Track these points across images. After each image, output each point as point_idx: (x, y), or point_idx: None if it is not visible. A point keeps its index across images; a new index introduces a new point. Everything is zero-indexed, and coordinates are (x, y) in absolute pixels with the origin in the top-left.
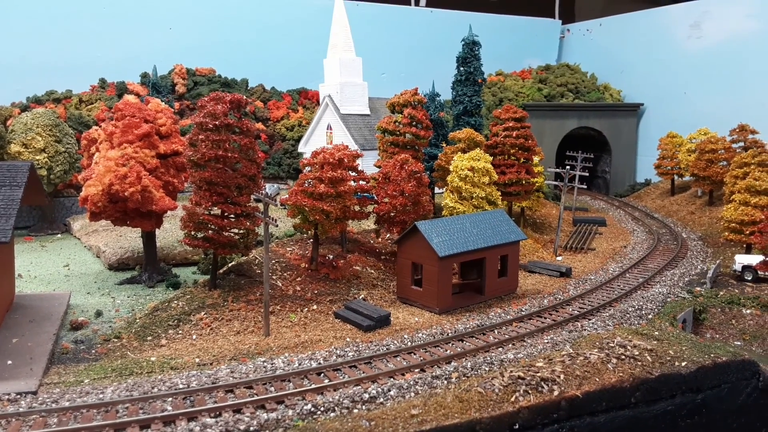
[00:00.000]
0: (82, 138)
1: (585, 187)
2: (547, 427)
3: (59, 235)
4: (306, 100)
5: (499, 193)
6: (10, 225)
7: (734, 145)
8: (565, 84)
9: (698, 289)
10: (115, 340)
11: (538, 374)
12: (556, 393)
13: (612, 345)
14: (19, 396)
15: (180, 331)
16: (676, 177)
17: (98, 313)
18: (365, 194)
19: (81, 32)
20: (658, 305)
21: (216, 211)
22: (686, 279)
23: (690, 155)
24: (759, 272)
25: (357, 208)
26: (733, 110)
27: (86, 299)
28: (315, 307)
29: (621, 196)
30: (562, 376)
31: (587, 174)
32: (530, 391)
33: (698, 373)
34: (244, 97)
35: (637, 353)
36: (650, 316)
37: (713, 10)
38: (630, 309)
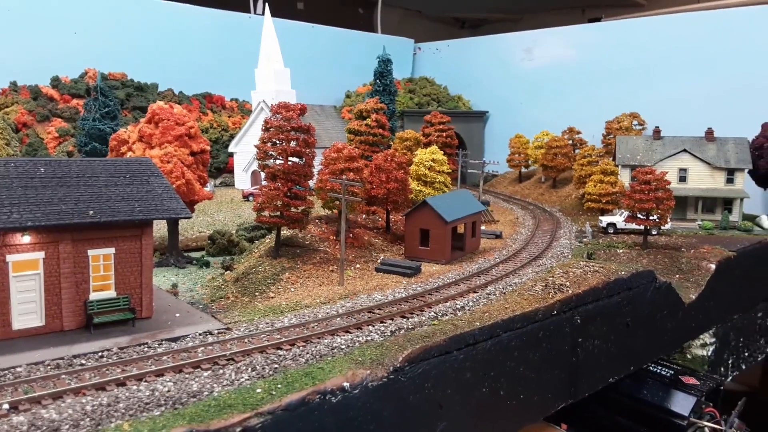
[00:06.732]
0: (111, 139)
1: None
2: (566, 313)
3: None
4: (212, 104)
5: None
6: (183, 204)
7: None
8: (429, 94)
9: (585, 240)
10: (221, 300)
11: (556, 282)
12: (570, 292)
13: (580, 266)
14: (219, 331)
15: (279, 287)
16: (523, 168)
17: (174, 285)
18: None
19: None
20: (569, 250)
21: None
22: (572, 235)
23: (537, 151)
24: (623, 224)
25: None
26: (558, 117)
27: None
28: (358, 265)
29: (476, 185)
30: (568, 283)
31: (498, 162)
32: (557, 292)
33: (632, 278)
34: (305, 105)
35: (597, 268)
36: (570, 256)
37: (541, 38)
38: (557, 253)
